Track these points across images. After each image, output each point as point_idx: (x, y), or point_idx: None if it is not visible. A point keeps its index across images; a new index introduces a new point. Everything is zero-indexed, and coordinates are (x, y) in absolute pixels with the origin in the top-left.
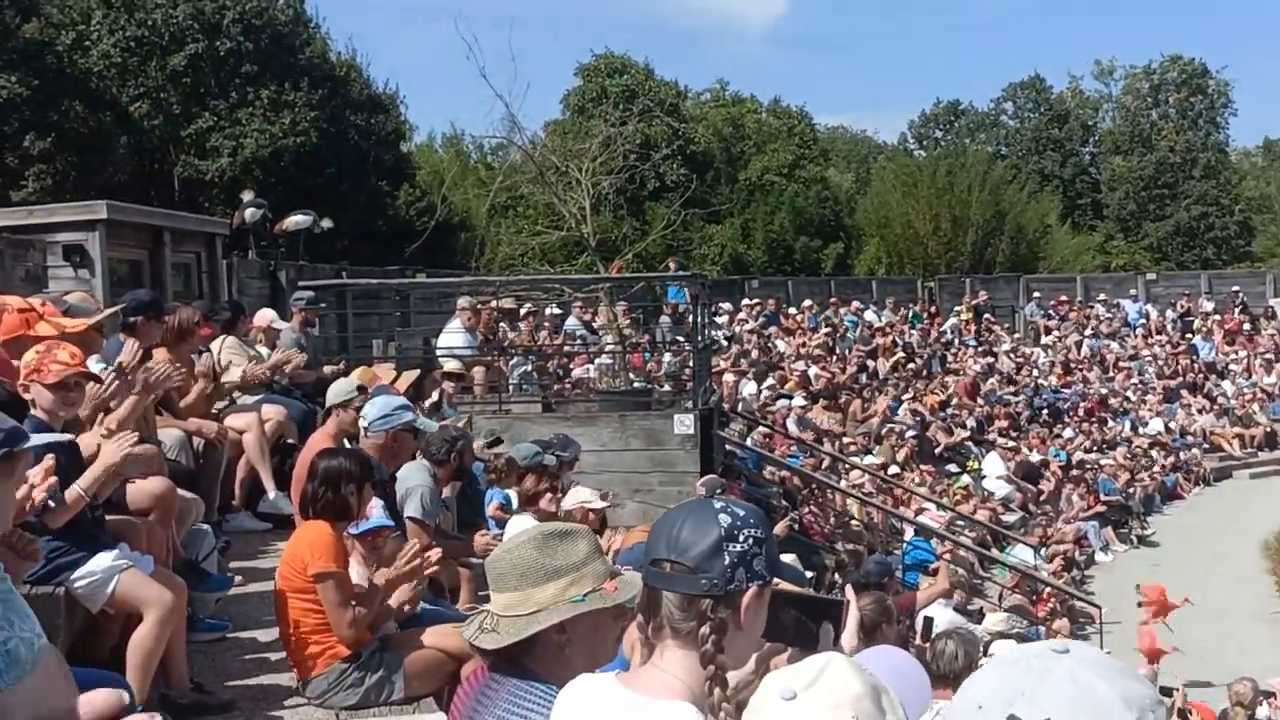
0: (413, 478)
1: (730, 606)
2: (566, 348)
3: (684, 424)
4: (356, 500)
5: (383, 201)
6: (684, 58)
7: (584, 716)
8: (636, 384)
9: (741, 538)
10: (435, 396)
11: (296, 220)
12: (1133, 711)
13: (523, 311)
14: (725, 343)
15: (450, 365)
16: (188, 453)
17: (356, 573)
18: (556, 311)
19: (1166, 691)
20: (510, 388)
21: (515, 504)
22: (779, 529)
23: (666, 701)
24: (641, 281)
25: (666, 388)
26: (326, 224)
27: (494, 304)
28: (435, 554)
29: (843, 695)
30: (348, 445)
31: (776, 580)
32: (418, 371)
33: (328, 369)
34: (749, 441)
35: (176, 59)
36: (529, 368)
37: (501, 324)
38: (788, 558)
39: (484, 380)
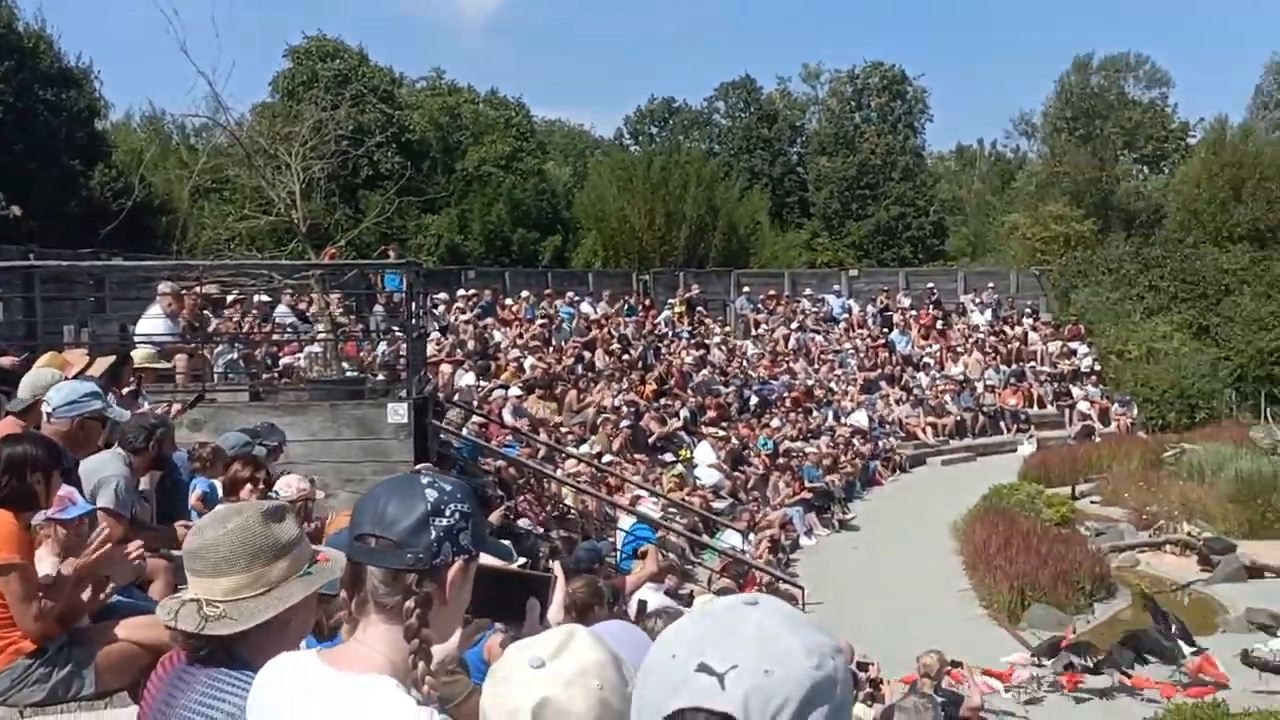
0: (106, 467)
1: (436, 581)
2: (276, 335)
3: (397, 413)
4: (44, 488)
5: (75, 182)
6: (399, 45)
7: (284, 696)
8: (349, 373)
9: (448, 512)
10: (133, 384)
11: None
12: (813, 659)
13: (229, 298)
14: (441, 333)
15: (141, 354)
16: None
17: (49, 563)
18: (265, 298)
19: (863, 666)
20: (215, 376)
21: (220, 494)
22: (493, 517)
23: (368, 676)
24: (355, 269)
25: (380, 377)
26: (16, 211)
27: (198, 289)
28: (136, 546)
29: (588, 663)
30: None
31: (483, 555)
32: (113, 358)
33: (4, 360)
34: (465, 431)
35: None
36: (235, 356)
37: (206, 311)
38: (503, 544)
39: (187, 368)
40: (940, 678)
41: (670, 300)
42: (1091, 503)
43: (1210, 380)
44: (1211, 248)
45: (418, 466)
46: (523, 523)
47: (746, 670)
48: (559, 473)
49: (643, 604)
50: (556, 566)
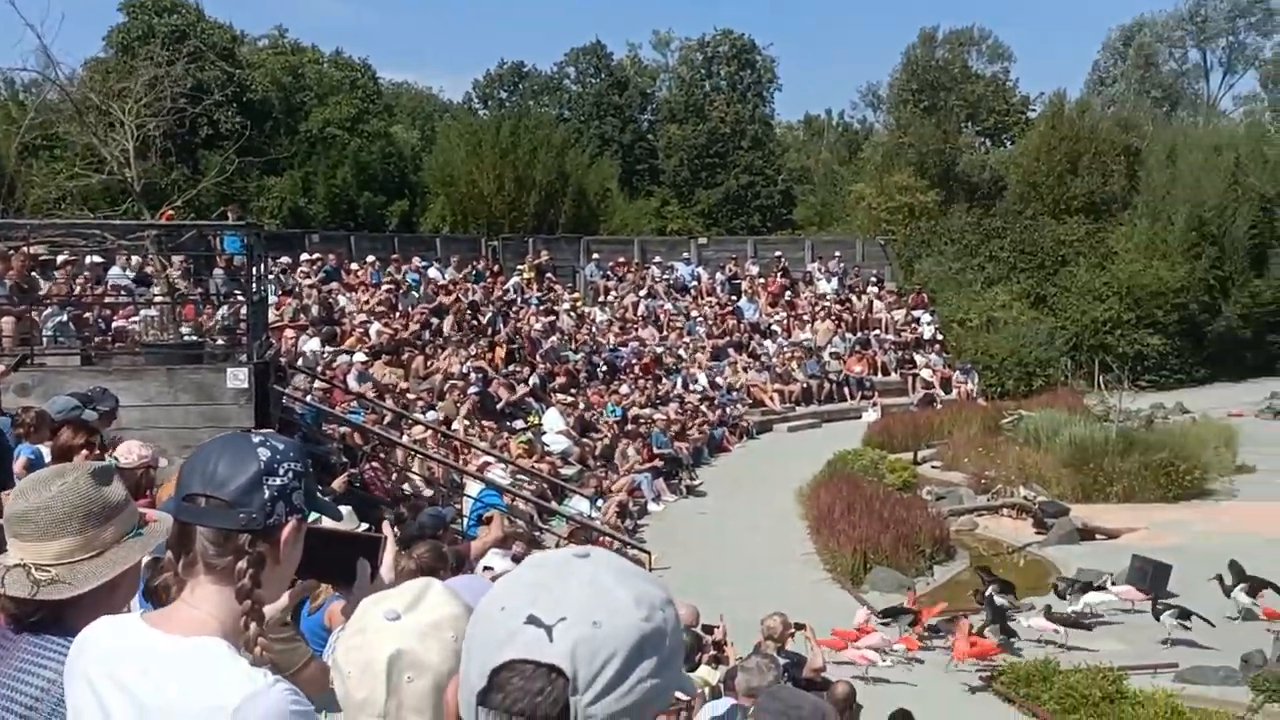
0: None
1: (269, 541)
2: (109, 298)
3: (237, 378)
4: None
5: None
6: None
7: (104, 660)
8: (187, 337)
9: (281, 471)
10: None
11: None
12: (642, 610)
13: (59, 259)
14: (284, 297)
15: None
16: None
17: None
18: (98, 260)
19: (709, 629)
20: (44, 339)
21: (48, 460)
22: (337, 484)
23: (197, 639)
24: (193, 230)
25: (219, 341)
26: None
27: (25, 250)
28: None
29: (443, 615)
30: None
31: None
32: None
33: None
34: (308, 397)
35: None
36: (65, 318)
37: (34, 272)
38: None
39: (14, 331)
40: (784, 640)
41: (519, 266)
42: (933, 468)
43: (1047, 349)
44: (1049, 219)
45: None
46: (369, 489)
47: (575, 622)
48: (405, 439)
49: (488, 570)
50: (386, 527)
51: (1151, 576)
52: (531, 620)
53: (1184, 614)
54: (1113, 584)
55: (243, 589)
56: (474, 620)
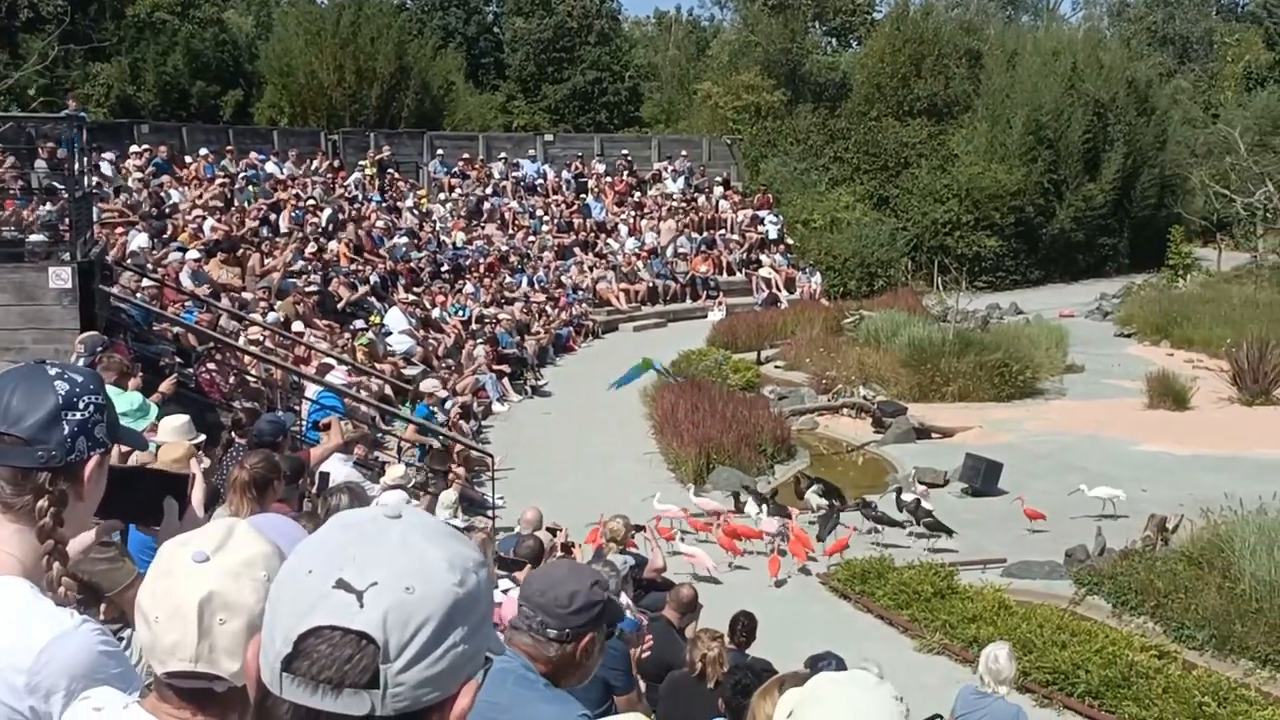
0: None
1: (70, 478)
2: None
3: (60, 278)
4: None
5: None
6: None
7: None
8: (6, 234)
9: (82, 405)
10: None
11: None
12: (456, 574)
13: None
14: (111, 191)
15: None
16: None
17: None
18: None
19: (553, 530)
20: None
21: None
22: (165, 386)
23: None
24: (11, 121)
25: (41, 238)
26: None
27: None
28: None
29: (254, 554)
30: None
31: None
32: None
33: None
34: (138, 296)
35: None
36: None
37: None
38: (181, 418)
39: None
40: (626, 541)
41: (361, 162)
42: (776, 368)
43: (888, 250)
44: (893, 121)
45: (84, 335)
46: (205, 393)
47: (387, 587)
48: (242, 340)
49: (325, 476)
50: (194, 464)
51: (984, 474)
52: (341, 585)
53: (829, 491)
54: (946, 480)
55: (44, 528)
56: (278, 583)
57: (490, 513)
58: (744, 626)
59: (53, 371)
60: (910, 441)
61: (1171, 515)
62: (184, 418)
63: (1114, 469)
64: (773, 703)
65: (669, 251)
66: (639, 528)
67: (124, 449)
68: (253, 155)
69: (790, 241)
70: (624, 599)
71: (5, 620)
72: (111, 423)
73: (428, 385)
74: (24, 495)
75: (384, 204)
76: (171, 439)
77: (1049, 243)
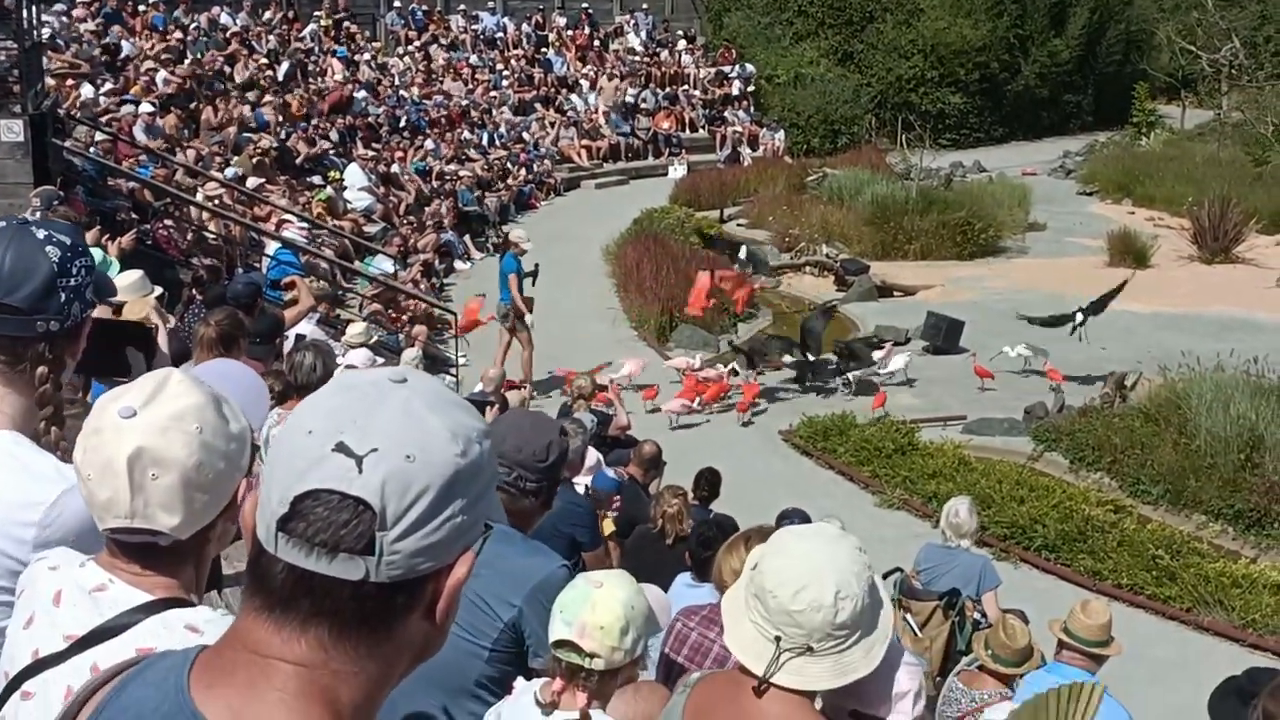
0: None
1: (66, 342)
2: None
3: (12, 131)
4: None
5: None
6: None
7: None
8: None
9: (74, 270)
10: None
11: None
12: (459, 444)
13: None
14: (62, 43)
15: None
16: None
17: None
18: None
19: (513, 386)
20: None
21: None
22: (125, 241)
23: None
24: None
25: None
26: None
27: None
28: None
29: (185, 407)
30: None
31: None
32: None
33: None
34: (91, 151)
35: None
36: None
37: None
38: (135, 273)
39: None
40: (591, 399)
41: (316, 13)
42: (738, 225)
43: (852, 106)
44: None
45: (39, 189)
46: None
47: (386, 454)
48: (199, 196)
49: (300, 338)
50: (154, 314)
51: (945, 332)
52: (340, 448)
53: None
54: (908, 340)
55: (44, 395)
56: (277, 441)
57: (452, 370)
58: (707, 482)
59: (40, 235)
60: (873, 300)
61: (1130, 373)
62: (138, 273)
63: None
64: (739, 557)
65: (631, 107)
66: (601, 387)
67: None
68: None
69: (753, 97)
70: (596, 456)
71: (9, 471)
72: (98, 281)
73: (516, 235)
74: (21, 363)
75: (341, 57)
76: (128, 296)
77: (1013, 100)
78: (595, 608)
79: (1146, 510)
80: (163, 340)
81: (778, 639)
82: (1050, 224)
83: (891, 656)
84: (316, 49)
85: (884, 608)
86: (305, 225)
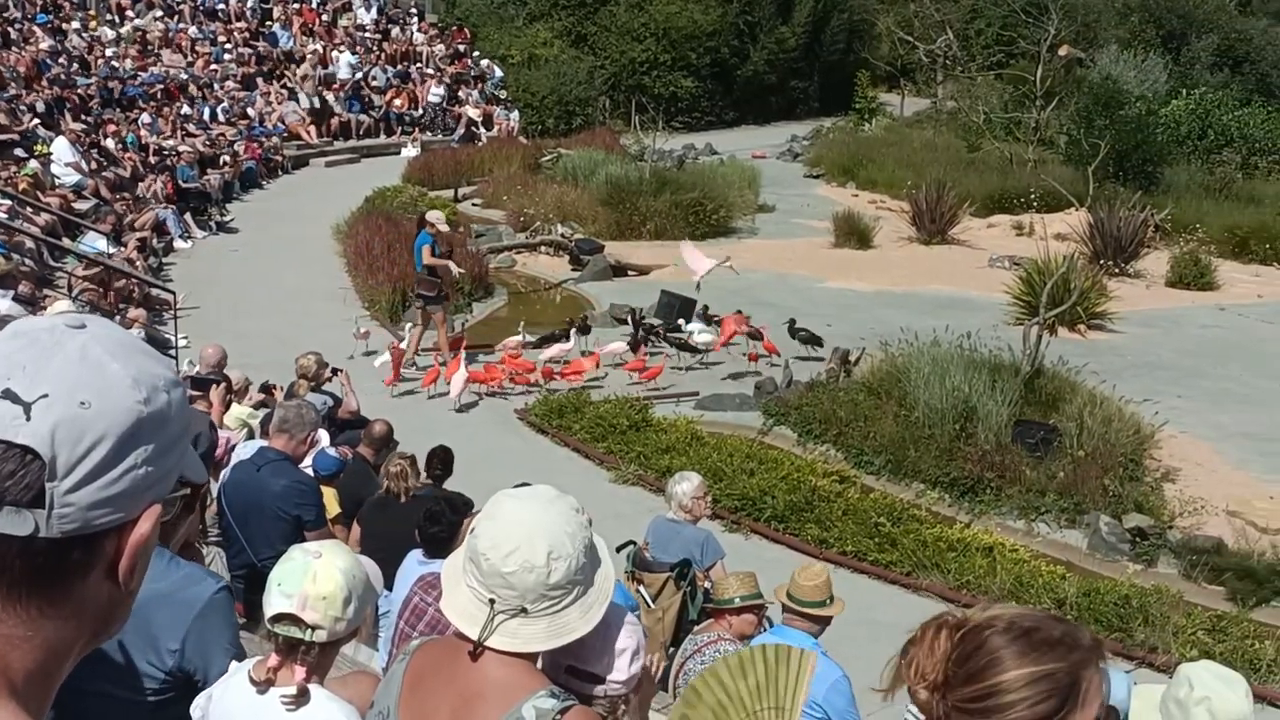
0: None
1: None
2: None
3: None
4: None
5: None
6: None
7: None
8: None
9: None
10: None
11: None
12: (141, 391)
13: None
14: None
15: None
16: None
17: None
18: None
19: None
20: None
21: None
22: None
23: None
24: None
25: None
26: None
27: None
28: None
29: None
30: None
31: None
32: None
33: None
34: None
35: None
36: None
37: None
38: None
39: None
40: (319, 379)
41: None
42: (473, 205)
43: (586, 88)
44: None
45: None
46: None
47: (58, 400)
48: None
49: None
50: None
51: (678, 310)
52: (7, 395)
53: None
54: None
55: None
56: None
57: (172, 353)
58: (440, 460)
59: None
60: (607, 279)
61: (854, 349)
62: None
63: (801, 305)
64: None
65: (362, 85)
66: (335, 370)
67: None
68: None
69: (486, 77)
70: (323, 436)
71: None
72: None
73: (433, 215)
74: None
75: (48, 25)
76: None
77: (743, 85)
78: (316, 578)
79: (870, 480)
80: None
81: (492, 601)
82: (779, 205)
83: (612, 616)
84: (20, 17)
85: (602, 567)
86: (8, 201)
